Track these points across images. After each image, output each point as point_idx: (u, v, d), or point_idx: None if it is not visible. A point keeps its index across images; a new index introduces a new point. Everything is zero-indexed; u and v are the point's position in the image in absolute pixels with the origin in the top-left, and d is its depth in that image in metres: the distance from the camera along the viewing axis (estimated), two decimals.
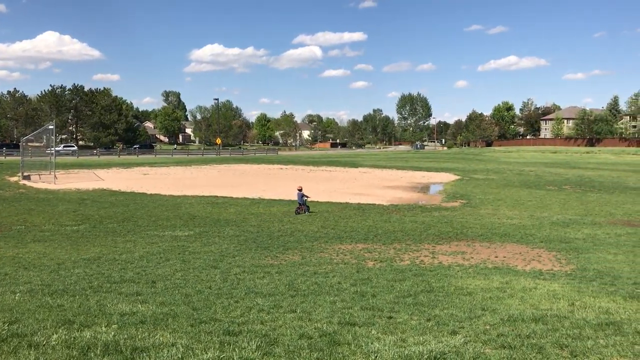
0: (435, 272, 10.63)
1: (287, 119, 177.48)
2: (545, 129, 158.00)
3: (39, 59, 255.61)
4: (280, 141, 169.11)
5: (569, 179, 39.64)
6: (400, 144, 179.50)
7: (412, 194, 29.39)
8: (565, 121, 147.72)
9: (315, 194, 21.04)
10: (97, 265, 10.85)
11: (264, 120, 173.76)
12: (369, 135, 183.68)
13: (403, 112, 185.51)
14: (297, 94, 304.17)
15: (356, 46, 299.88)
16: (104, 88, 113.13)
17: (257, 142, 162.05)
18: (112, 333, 5.62)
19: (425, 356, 5.16)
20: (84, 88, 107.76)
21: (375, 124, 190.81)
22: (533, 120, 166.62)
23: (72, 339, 5.35)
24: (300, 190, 20.98)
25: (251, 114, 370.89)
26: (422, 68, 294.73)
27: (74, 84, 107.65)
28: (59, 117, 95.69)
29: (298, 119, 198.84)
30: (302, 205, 20.59)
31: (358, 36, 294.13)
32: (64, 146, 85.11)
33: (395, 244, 14.21)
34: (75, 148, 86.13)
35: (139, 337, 5.52)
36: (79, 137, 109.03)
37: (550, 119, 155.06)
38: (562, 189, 32.35)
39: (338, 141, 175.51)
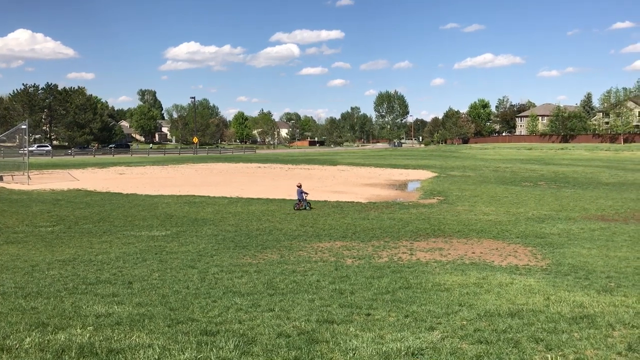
0: (413, 268, 10.71)
1: (265, 117, 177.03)
2: (521, 125, 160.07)
3: (11, 58, 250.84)
4: (259, 140, 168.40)
5: (544, 175, 40.21)
6: (378, 142, 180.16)
7: (390, 192, 29.53)
8: (540, 118, 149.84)
9: (293, 192, 21.14)
10: (72, 267, 10.69)
11: (241, 118, 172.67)
12: (347, 133, 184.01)
13: (381, 110, 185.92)
14: (275, 92, 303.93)
15: (334, 44, 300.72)
16: (79, 87, 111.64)
17: (234, 141, 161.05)
18: (88, 335, 5.54)
19: (403, 352, 5.19)
20: (57, 87, 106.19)
21: (354, 122, 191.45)
22: (509, 117, 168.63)
23: (45, 341, 5.25)
24: (299, 187, 21.49)
25: (228, 112, 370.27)
26: (399, 66, 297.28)
27: (48, 82, 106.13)
28: (32, 116, 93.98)
29: (276, 117, 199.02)
30: (302, 201, 21.01)
31: (335, 34, 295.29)
32: (37, 146, 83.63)
33: (374, 241, 14.27)
34: (49, 148, 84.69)
35: (115, 338, 5.45)
36: (53, 137, 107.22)
37: (526, 116, 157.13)
38: (538, 185, 32.81)
39: (316, 139, 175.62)
